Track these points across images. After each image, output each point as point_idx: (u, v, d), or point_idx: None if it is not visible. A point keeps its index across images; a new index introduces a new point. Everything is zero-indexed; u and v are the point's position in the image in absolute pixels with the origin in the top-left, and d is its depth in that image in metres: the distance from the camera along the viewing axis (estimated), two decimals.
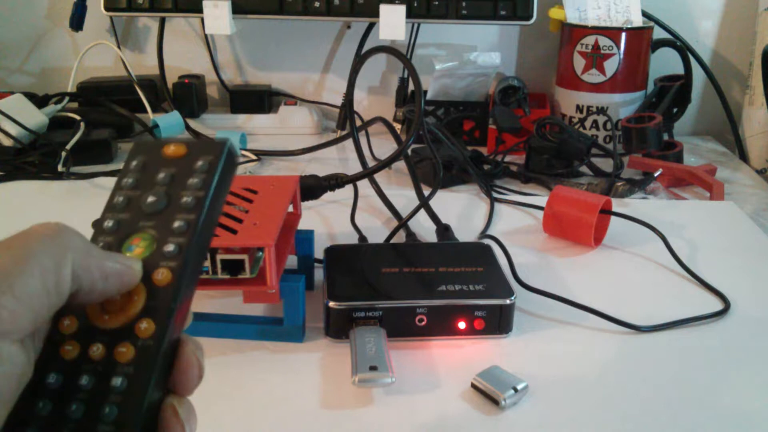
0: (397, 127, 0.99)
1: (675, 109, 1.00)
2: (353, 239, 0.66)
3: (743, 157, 0.99)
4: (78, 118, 0.92)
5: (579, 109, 0.97)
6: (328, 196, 0.69)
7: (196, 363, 0.28)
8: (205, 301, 0.55)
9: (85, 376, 0.26)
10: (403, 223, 0.66)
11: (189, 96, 1.01)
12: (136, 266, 0.28)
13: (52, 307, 0.25)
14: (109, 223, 0.30)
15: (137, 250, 0.29)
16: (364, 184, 0.74)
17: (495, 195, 0.78)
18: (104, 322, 0.28)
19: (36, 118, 0.89)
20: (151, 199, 0.30)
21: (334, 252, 0.57)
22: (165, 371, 0.28)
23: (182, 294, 0.28)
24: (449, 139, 0.84)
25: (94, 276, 0.26)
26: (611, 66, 0.94)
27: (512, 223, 0.72)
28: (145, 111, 0.98)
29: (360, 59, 0.70)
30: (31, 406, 0.26)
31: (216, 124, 1.02)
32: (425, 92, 1.00)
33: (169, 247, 0.29)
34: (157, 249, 0.29)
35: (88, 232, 0.67)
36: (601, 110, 0.95)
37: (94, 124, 0.93)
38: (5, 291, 0.24)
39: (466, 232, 0.69)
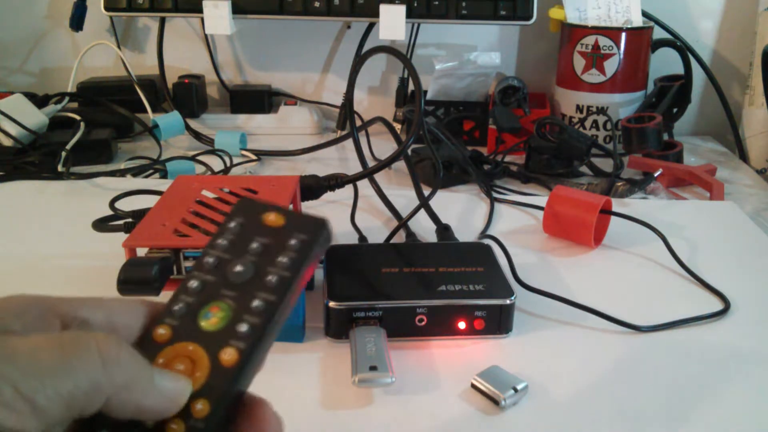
0: (397, 127, 0.99)
1: (675, 109, 1.00)
2: (353, 239, 0.66)
3: (743, 157, 0.99)
4: (78, 118, 0.92)
5: (579, 109, 0.97)
6: (328, 196, 0.69)
7: (277, 422, 0.29)
8: None
9: None
10: (403, 223, 0.66)
11: (189, 96, 1.01)
12: (180, 399, 0.26)
13: (66, 421, 0.24)
14: (194, 283, 0.30)
15: (213, 320, 0.29)
16: (364, 184, 0.74)
17: (495, 195, 0.78)
18: None
19: (36, 118, 0.89)
20: (238, 268, 0.30)
21: (334, 252, 0.57)
22: None
23: (245, 375, 0.28)
24: (449, 139, 0.84)
25: (126, 409, 0.25)
26: (611, 66, 0.94)
27: (512, 223, 0.72)
28: (145, 111, 0.98)
29: (360, 59, 0.70)
30: None
31: (216, 124, 1.02)
32: (425, 92, 1.00)
33: (243, 327, 0.28)
34: (230, 323, 0.28)
35: (88, 233, 0.66)
36: (601, 110, 0.95)
37: (94, 124, 0.93)
38: (25, 396, 0.23)
39: (466, 232, 0.69)
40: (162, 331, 0.29)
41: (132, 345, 0.28)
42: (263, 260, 0.30)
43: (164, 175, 0.84)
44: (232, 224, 0.31)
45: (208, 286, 0.30)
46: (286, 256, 0.30)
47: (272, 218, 0.31)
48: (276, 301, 0.29)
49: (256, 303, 0.29)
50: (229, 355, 0.28)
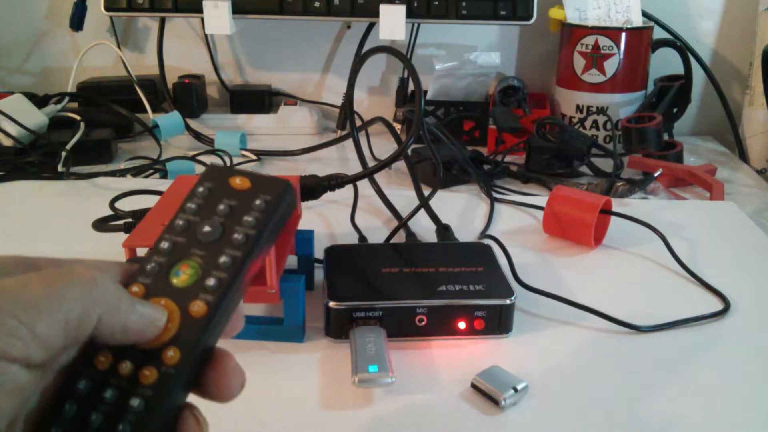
0: (397, 127, 0.99)
1: (675, 109, 1.00)
2: (353, 239, 0.66)
3: (743, 157, 0.99)
4: (78, 118, 0.92)
5: (579, 109, 0.97)
6: (328, 196, 0.69)
7: (239, 373, 0.30)
8: None
9: (110, 389, 0.28)
10: (403, 223, 0.66)
11: (189, 96, 1.01)
12: (159, 322, 0.29)
13: (67, 347, 0.27)
14: (165, 244, 0.31)
15: (183, 277, 0.30)
16: (364, 184, 0.74)
17: (495, 195, 0.78)
18: None
19: (36, 118, 0.89)
20: (206, 228, 0.31)
21: (334, 252, 0.57)
22: (185, 393, 0.29)
23: (213, 327, 0.29)
24: (449, 139, 0.84)
25: (114, 330, 0.28)
26: (611, 66, 0.94)
27: (512, 223, 0.72)
28: (145, 111, 0.98)
29: (360, 59, 0.70)
30: (60, 406, 0.27)
31: (216, 124, 1.02)
32: (425, 92, 1.00)
33: (210, 281, 0.30)
34: (199, 279, 0.30)
35: (88, 233, 0.66)
36: (601, 110, 0.95)
37: (94, 124, 0.93)
38: (26, 324, 0.25)
39: (466, 232, 0.69)
40: (136, 289, 0.30)
41: None
42: (230, 220, 0.32)
43: (164, 175, 0.84)
44: (201, 189, 0.33)
45: (178, 246, 0.31)
46: (251, 215, 0.32)
47: (238, 182, 0.33)
48: (242, 256, 0.31)
49: (223, 259, 0.30)
50: (198, 307, 0.29)
